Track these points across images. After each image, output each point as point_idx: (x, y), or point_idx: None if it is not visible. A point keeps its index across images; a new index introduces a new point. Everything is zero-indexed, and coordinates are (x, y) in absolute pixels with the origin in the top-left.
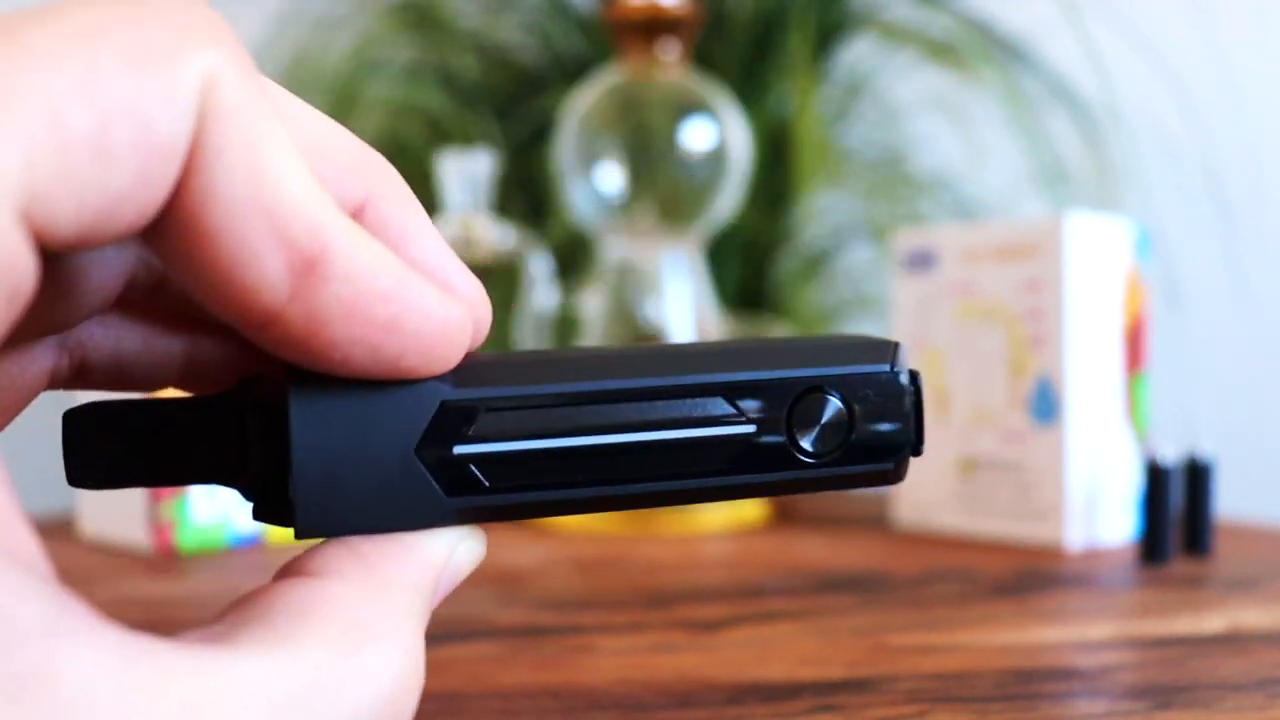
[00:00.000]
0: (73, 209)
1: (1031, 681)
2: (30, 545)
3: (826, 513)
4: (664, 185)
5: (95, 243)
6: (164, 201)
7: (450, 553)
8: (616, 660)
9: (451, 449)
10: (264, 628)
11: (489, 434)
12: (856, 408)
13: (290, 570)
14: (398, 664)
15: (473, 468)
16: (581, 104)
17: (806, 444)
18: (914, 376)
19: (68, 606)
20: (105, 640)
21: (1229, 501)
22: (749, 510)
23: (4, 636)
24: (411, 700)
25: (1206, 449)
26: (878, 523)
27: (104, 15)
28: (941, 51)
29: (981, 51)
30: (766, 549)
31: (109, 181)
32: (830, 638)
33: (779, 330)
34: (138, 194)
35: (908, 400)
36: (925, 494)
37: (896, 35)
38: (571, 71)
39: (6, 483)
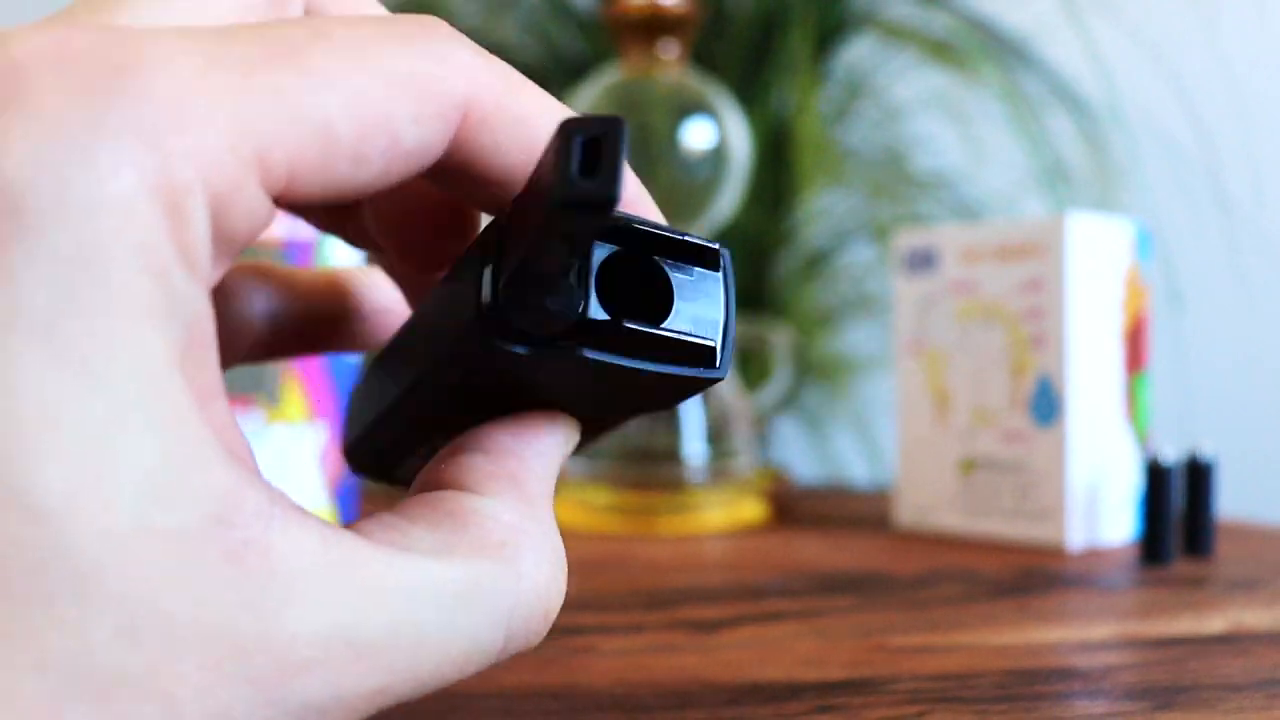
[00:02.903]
0: (319, 190)
1: (1032, 682)
2: (245, 446)
3: (827, 513)
4: (664, 184)
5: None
6: (402, 180)
7: (567, 447)
8: (616, 661)
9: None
10: (432, 532)
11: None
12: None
13: (438, 481)
14: (549, 568)
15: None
16: (581, 103)
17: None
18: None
19: (280, 498)
20: (308, 525)
21: (1230, 502)
22: (749, 510)
23: (231, 513)
24: (559, 599)
25: (1207, 449)
26: (878, 523)
27: (371, 38)
28: (942, 51)
29: (982, 51)
30: (766, 549)
31: (358, 176)
32: (830, 638)
33: (780, 330)
34: (378, 183)
35: None
36: (926, 494)
37: (897, 35)
38: (571, 71)
39: (223, 394)
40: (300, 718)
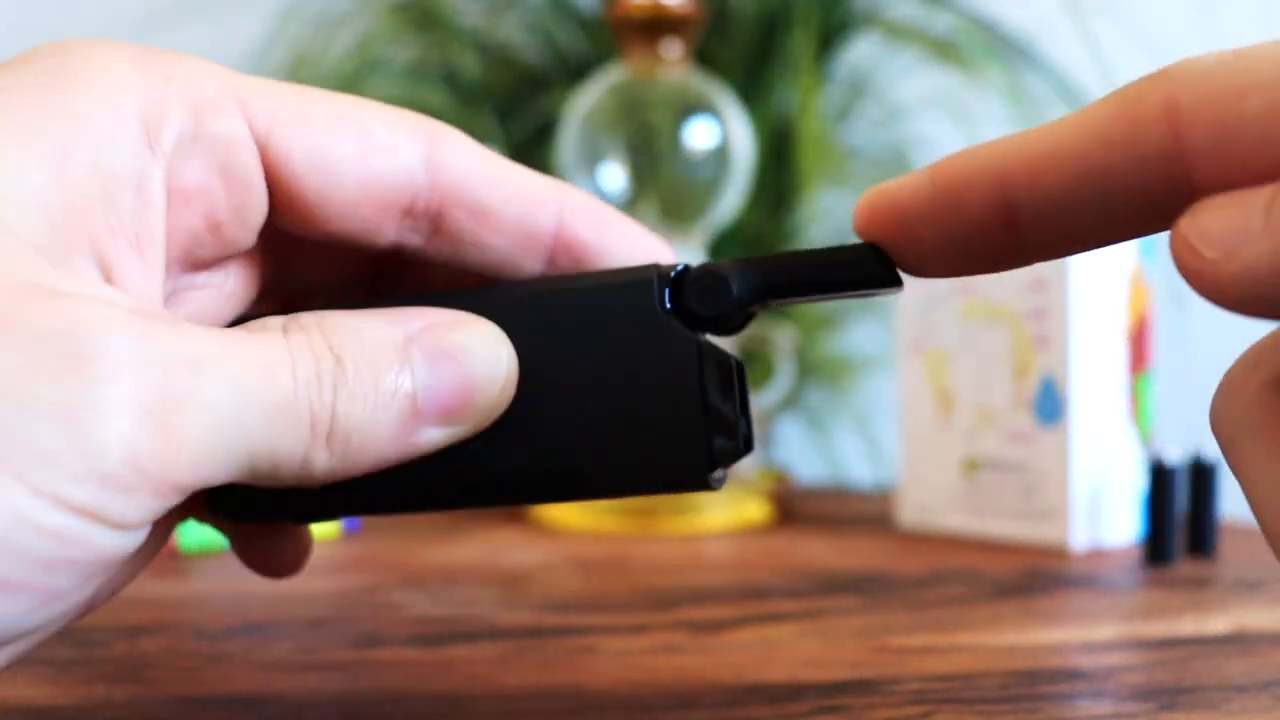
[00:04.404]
0: (301, 151)
1: (1036, 683)
2: (142, 297)
3: (829, 513)
4: (667, 185)
5: (340, 205)
6: (389, 183)
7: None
8: (619, 661)
9: None
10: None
11: None
12: None
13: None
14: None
15: None
16: (584, 103)
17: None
18: None
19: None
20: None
21: (1233, 502)
22: (751, 511)
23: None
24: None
25: (1211, 449)
26: (881, 524)
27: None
28: (945, 50)
29: (985, 50)
30: (769, 550)
31: (333, 151)
32: (833, 639)
33: (782, 330)
34: (360, 171)
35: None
36: (929, 495)
37: (900, 34)
38: (574, 70)
39: (147, 246)
40: None
